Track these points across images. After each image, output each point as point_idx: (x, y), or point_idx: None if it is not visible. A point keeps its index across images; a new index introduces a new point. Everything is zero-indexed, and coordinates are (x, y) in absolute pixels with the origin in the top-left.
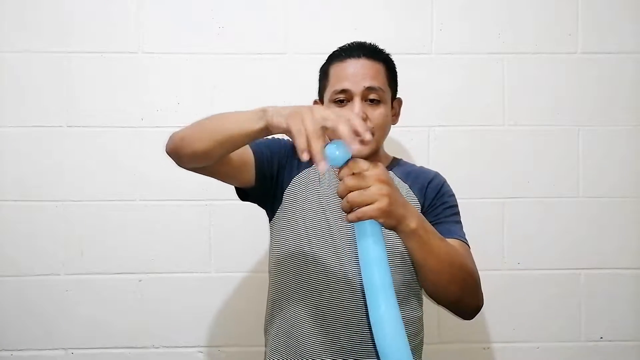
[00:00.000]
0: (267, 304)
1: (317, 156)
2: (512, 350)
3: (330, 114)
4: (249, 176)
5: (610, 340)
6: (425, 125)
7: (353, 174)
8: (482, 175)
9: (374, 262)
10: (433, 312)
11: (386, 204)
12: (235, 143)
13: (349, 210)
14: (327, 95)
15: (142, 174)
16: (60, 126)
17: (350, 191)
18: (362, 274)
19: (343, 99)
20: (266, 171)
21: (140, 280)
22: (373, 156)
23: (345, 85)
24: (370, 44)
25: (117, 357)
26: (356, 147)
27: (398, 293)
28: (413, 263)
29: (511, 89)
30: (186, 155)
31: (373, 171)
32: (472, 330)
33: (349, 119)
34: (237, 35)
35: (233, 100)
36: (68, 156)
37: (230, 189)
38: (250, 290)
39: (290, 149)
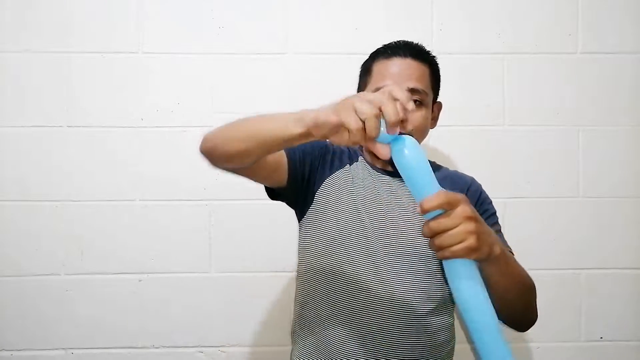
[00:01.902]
0: (294, 306)
1: (374, 134)
2: (512, 350)
3: (378, 96)
4: (282, 177)
5: (610, 340)
6: None
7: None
8: (482, 176)
9: (482, 305)
10: None
11: (474, 242)
12: (273, 147)
13: (438, 249)
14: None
15: (142, 174)
16: (60, 126)
17: (439, 232)
18: (466, 316)
19: None
20: (298, 173)
21: (140, 280)
22: None
23: (389, 83)
24: (417, 44)
25: (117, 357)
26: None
27: (434, 299)
28: (487, 283)
29: (511, 89)
30: (221, 156)
31: (460, 208)
32: None
33: (394, 96)
34: (237, 35)
35: (233, 100)
36: (68, 156)
37: (230, 189)
38: (250, 290)
39: (323, 150)
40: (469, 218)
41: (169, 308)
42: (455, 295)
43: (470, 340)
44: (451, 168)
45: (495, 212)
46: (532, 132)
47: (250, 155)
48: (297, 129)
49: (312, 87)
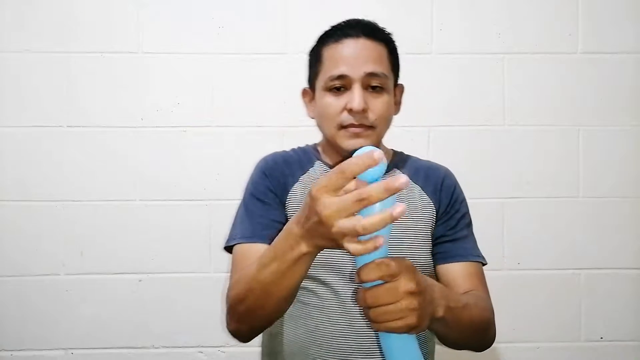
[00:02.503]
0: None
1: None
2: (512, 350)
3: (341, 204)
4: None
5: (610, 340)
6: (425, 125)
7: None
8: (482, 175)
9: None
10: None
11: (415, 320)
12: (299, 282)
13: (373, 322)
14: (320, 83)
15: (142, 174)
16: (60, 126)
17: (377, 305)
18: None
19: (340, 86)
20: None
21: (140, 280)
22: None
23: (343, 70)
24: (369, 21)
25: (117, 357)
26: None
27: None
28: (435, 334)
29: (511, 89)
30: (266, 326)
31: (402, 282)
32: None
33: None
34: (236, 35)
35: (233, 100)
36: (68, 156)
37: (230, 189)
38: None
39: (267, 181)
40: (411, 294)
41: (168, 308)
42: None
43: (440, 342)
44: (451, 168)
45: (467, 212)
46: (532, 132)
47: (293, 297)
48: (311, 259)
49: None
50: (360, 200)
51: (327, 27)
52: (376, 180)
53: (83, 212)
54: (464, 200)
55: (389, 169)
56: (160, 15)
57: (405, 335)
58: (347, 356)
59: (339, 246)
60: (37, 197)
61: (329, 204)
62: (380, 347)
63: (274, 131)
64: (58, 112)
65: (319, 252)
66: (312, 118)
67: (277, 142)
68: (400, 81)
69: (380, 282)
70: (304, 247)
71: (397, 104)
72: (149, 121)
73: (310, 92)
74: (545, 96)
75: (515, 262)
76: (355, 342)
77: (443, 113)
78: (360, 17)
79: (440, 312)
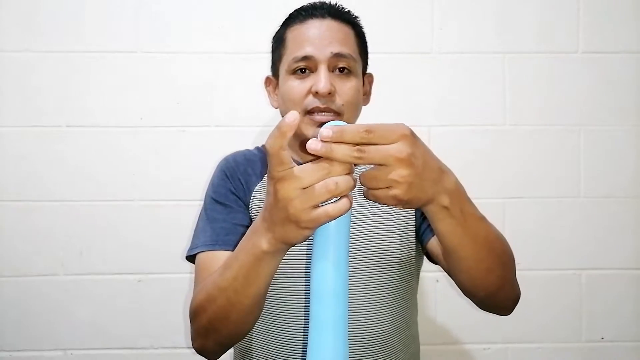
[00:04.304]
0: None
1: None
2: (513, 350)
3: (296, 177)
4: None
5: (611, 341)
6: (425, 125)
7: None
8: (483, 176)
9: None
10: (432, 314)
11: (403, 191)
12: (267, 285)
13: (361, 184)
14: (283, 66)
15: (142, 174)
16: (60, 126)
17: (366, 160)
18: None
19: (304, 67)
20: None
21: (139, 281)
22: None
23: (308, 50)
24: (336, 3)
25: (116, 358)
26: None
27: (393, 321)
28: (444, 249)
29: (512, 89)
30: (234, 341)
31: (396, 146)
32: (473, 331)
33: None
34: (236, 34)
35: (233, 100)
36: (68, 156)
37: None
38: None
39: (231, 170)
40: (400, 161)
41: (168, 308)
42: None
43: (453, 342)
44: (451, 168)
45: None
46: (533, 132)
47: (259, 308)
48: (275, 260)
49: None
50: (319, 170)
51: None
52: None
53: (82, 212)
54: None
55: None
56: (160, 15)
57: (344, 236)
58: None
59: (302, 230)
60: (36, 197)
61: (280, 180)
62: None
63: None
64: (58, 112)
65: (284, 251)
66: (276, 108)
67: None
68: (399, 81)
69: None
70: (264, 244)
71: (367, 94)
72: (149, 121)
73: (273, 80)
74: (545, 96)
75: (516, 262)
76: None
77: (443, 113)
78: (354, 14)
79: (444, 201)
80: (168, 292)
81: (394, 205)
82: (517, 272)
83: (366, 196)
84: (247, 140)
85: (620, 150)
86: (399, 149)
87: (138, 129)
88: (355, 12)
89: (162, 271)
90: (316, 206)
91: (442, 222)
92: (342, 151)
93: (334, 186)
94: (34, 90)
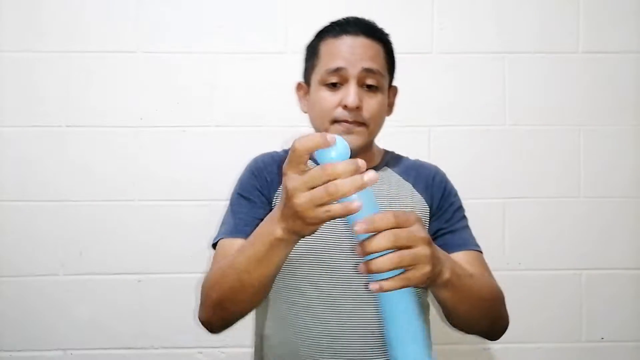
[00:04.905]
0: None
1: (343, 211)
2: (513, 351)
3: (305, 178)
4: None
5: (611, 341)
6: (425, 125)
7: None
8: (483, 175)
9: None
10: (432, 313)
11: (429, 270)
12: (276, 272)
13: (390, 266)
14: (316, 76)
15: (142, 174)
16: (60, 126)
17: (398, 246)
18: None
19: (336, 82)
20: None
21: (139, 281)
22: (366, 149)
23: (340, 63)
24: (368, 20)
25: (116, 358)
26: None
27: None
28: (442, 308)
29: (512, 89)
30: (237, 319)
31: (415, 228)
32: None
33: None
34: (236, 34)
35: (232, 100)
36: (67, 156)
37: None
38: None
39: (259, 170)
40: (426, 241)
41: (168, 308)
42: (388, 330)
43: (453, 342)
44: (451, 168)
45: (461, 206)
46: (533, 132)
47: (265, 292)
48: (287, 248)
49: None
50: (324, 175)
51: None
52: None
53: (82, 212)
54: (457, 194)
55: (379, 168)
56: (160, 15)
57: (407, 295)
58: (338, 356)
59: (308, 226)
60: (36, 197)
61: (293, 177)
62: (370, 343)
63: (273, 131)
64: (58, 112)
65: (295, 241)
66: (305, 112)
67: (277, 141)
68: (400, 81)
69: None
70: (278, 231)
71: (390, 106)
72: (149, 121)
73: (304, 86)
74: (545, 96)
75: (516, 262)
76: (345, 341)
77: (443, 113)
78: (360, 16)
79: (446, 274)
80: (168, 292)
81: (424, 283)
82: (517, 272)
83: (391, 288)
84: (247, 140)
85: (620, 150)
86: (419, 229)
87: (138, 129)
88: (355, 11)
89: (162, 271)
90: (321, 205)
91: (444, 290)
92: (380, 243)
93: (334, 188)
94: (34, 90)
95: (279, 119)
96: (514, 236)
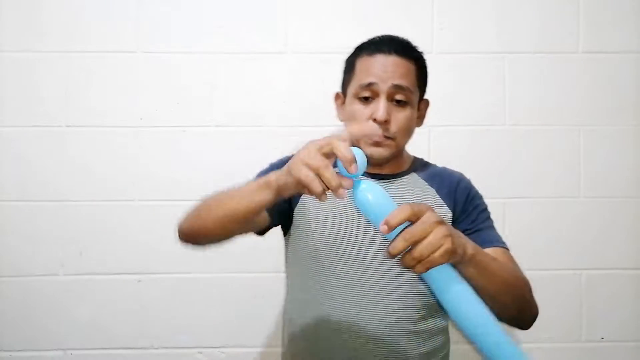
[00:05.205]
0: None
1: (334, 184)
2: None
3: (320, 140)
4: (265, 222)
5: (611, 341)
6: (426, 125)
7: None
8: (483, 176)
9: (477, 309)
10: None
11: (451, 244)
12: (249, 219)
13: (416, 261)
14: (351, 90)
15: (142, 174)
16: (60, 126)
17: (415, 241)
18: (463, 325)
19: (368, 96)
20: (277, 208)
21: (139, 281)
22: (395, 159)
23: (372, 79)
24: (403, 39)
25: (116, 358)
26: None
27: (424, 304)
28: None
29: (512, 89)
30: (203, 242)
31: (427, 216)
32: None
33: (339, 137)
34: (236, 34)
35: (232, 100)
36: (67, 156)
37: None
38: (250, 291)
39: (280, 166)
40: (439, 223)
41: (168, 308)
42: (446, 306)
43: (453, 342)
44: (451, 168)
45: (486, 208)
46: (533, 132)
47: (232, 233)
48: (265, 197)
49: (312, 86)
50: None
51: (363, 39)
52: (354, 176)
53: (82, 212)
54: (481, 198)
55: (407, 173)
56: (160, 15)
57: (447, 268)
58: (359, 337)
59: (287, 174)
60: (36, 197)
61: (316, 143)
62: (392, 326)
63: (273, 131)
64: (58, 112)
65: (275, 196)
66: (341, 121)
67: (276, 141)
68: None
69: (405, 225)
70: (272, 176)
71: (421, 118)
72: (149, 121)
73: (342, 97)
74: (546, 96)
75: (516, 262)
76: (367, 325)
77: (443, 113)
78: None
79: (470, 250)
80: (168, 292)
81: (447, 261)
82: None
83: (422, 270)
84: (247, 140)
85: (620, 150)
86: (432, 215)
87: (138, 129)
88: (355, 11)
89: (162, 271)
90: (310, 170)
91: (471, 267)
92: (399, 246)
93: (328, 149)
94: (34, 90)
95: (279, 119)
96: (514, 236)
